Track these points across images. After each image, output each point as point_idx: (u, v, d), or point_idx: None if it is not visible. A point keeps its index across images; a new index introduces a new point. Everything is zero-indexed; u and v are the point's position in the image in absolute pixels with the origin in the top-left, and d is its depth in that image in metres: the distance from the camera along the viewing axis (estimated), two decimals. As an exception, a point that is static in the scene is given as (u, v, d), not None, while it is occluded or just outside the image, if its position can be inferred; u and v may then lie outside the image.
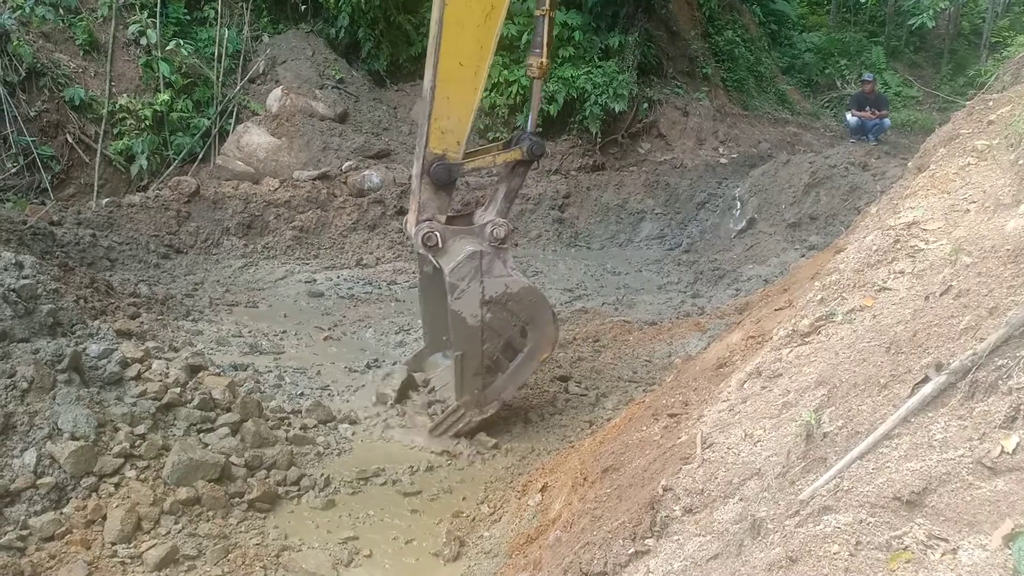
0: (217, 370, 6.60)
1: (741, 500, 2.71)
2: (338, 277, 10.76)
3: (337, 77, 14.63)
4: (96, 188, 12.49)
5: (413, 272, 9.66)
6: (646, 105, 15.71)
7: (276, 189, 12.45)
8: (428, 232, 5.85)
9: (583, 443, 5.68)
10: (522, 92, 14.40)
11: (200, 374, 6.00)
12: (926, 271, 3.20)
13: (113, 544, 4.60)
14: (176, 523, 4.84)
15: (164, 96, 13.07)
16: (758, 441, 2.97)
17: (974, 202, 3.52)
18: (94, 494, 4.82)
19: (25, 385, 4.95)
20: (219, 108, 13.72)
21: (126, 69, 13.43)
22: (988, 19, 24.41)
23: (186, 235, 11.50)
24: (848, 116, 15.43)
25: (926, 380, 2.41)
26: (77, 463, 4.82)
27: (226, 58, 14.00)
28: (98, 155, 12.62)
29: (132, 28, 13.35)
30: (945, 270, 3.03)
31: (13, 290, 5.52)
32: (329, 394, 6.96)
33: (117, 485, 4.91)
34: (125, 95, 13.06)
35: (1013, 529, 1.86)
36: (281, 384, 6.95)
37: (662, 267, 12.22)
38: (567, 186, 14.04)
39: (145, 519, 4.77)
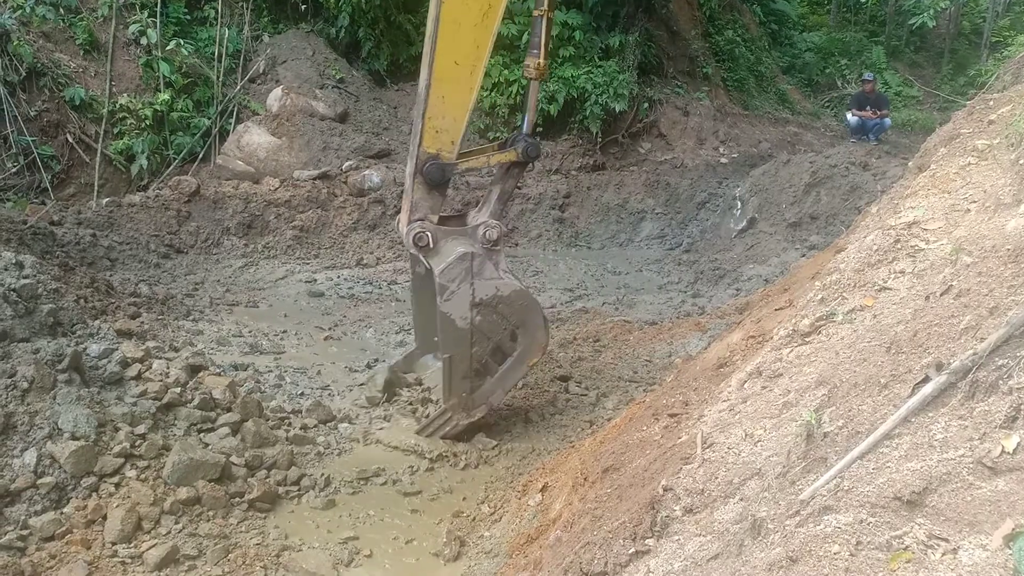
0: (217, 370, 6.60)
1: (741, 500, 2.71)
2: (338, 277, 10.76)
3: (337, 77, 14.64)
4: (96, 188, 12.50)
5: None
6: (646, 105, 15.72)
7: (276, 189, 12.45)
8: (419, 232, 5.78)
9: (583, 443, 5.68)
10: (522, 92, 14.38)
11: (200, 374, 5.99)
12: (927, 271, 3.20)
13: (113, 544, 4.60)
14: (176, 523, 4.84)
15: (164, 96, 13.08)
16: (758, 441, 2.97)
17: (975, 202, 3.51)
18: (94, 494, 4.82)
19: (25, 385, 4.95)
20: (219, 108, 13.72)
21: (126, 69, 13.44)
22: (989, 19, 24.42)
23: (186, 235, 11.51)
24: (849, 116, 15.43)
25: (926, 380, 2.41)
26: (77, 463, 4.82)
27: (226, 58, 14.01)
28: (98, 155, 12.63)
29: (132, 28, 13.36)
30: (946, 270, 3.03)
31: (13, 290, 5.52)
32: (329, 394, 6.95)
33: (117, 485, 4.90)
34: (125, 95, 13.07)
35: (1014, 529, 1.86)
36: (281, 384, 6.94)
37: (662, 267, 12.23)
38: (567, 186, 14.05)
39: (145, 519, 4.77)
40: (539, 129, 14.79)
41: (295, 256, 11.59)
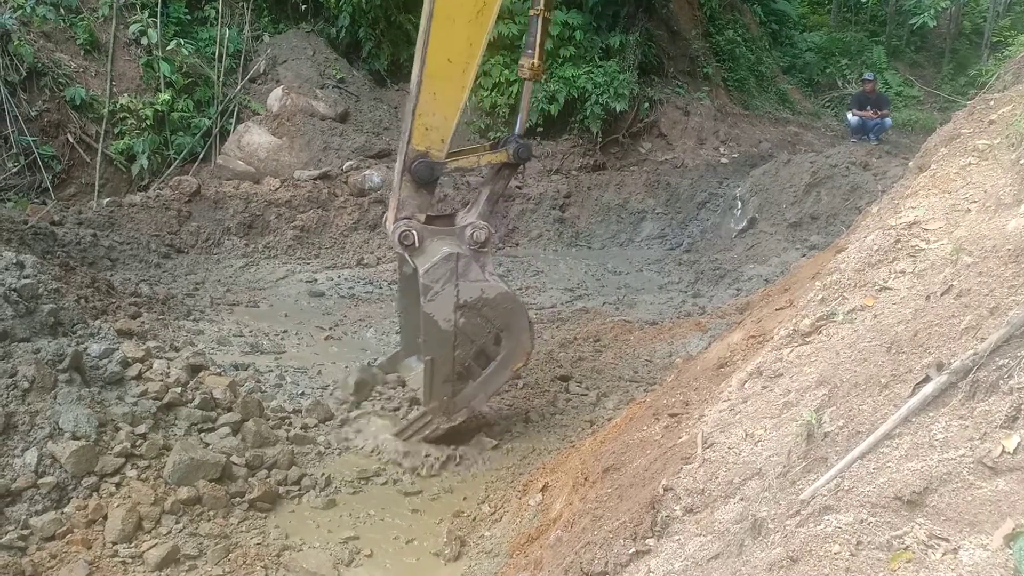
0: (218, 370, 6.60)
1: (742, 500, 2.71)
2: (339, 277, 10.77)
3: (338, 77, 14.64)
4: (97, 188, 12.50)
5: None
6: (647, 105, 15.71)
7: (277, 189, 12.45)
8: (405, 231, 5.67)
9: (584, 443, 5.68)
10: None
11: (201, 374, 6.00)
12: (927, 271, 3.20)
13: (114, 544, 4.60)
14: (177, 523, 4.84)
15: (165, 96, 13.08)
16: (759, 441, 2.97)
17: (975, 202, 3.51)
18: (95, 494, 4.82)
19: (26, 385, 4.96)
20: (220, 108, 13.72)
21: (127, 69, 13.44)
22: (989, 18, 24.41)
23: (187, 235, 11.51)
24: (849, 116, 15.43)
25: (927, 380, 2.41)
26: (78, 463, 4.83)
27: (227, 58, 14.01)
28: (99, 155, 12.63)
29: (133, 28, 13.36)
30: (946, 270, 3.03)
31: (14, 290, 5.52)
32: (330, 394, 6.95)
33: (118, 485, 4.91)
34: (126, 95, 13.07)
35: (1014, 529, 1.86)
36: (282, 384, 6.95)
37: (663, 267, 12.23)
38: (568, 186, 14.05)
39: (146, 519, 4.77)
40: (539, 129, 14.86)
41: (296, 256, 11.59)
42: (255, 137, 13.36)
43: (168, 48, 13.29)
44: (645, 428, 4.30)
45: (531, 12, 5.97)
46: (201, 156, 13.45)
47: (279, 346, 8.06)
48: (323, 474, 5.64)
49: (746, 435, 3.07)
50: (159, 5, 13.49)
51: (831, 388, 2.84)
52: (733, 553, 2.46)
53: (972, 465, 2.08)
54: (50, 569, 4.38)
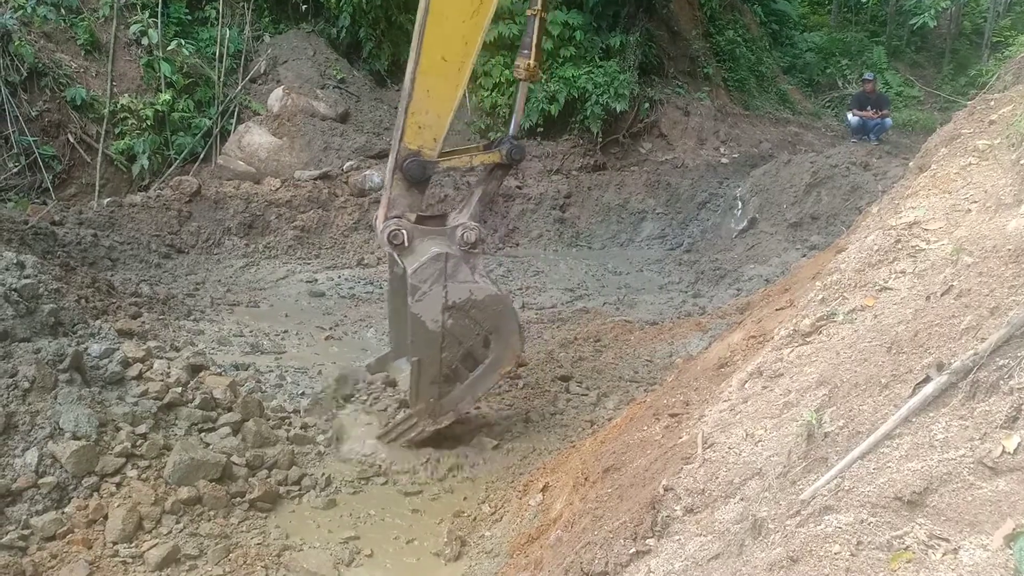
0: (218, 370, 6.60)
1: (742, 500, 2.71)
2: (339, 277, 10.77)
3: (338, 77, 14.64)
4: (97, 188, 12.51)
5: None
6: (647, 105, 15.71)
7: (277, 189, 12.46)
8: (395, 230, 5.57)
9: (584, 443, 5.68)
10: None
11: (201, 374, 6.00)
12: (927, 271, 3.20)
13: (114, 544, 4.61)
14: (177, 523, 4.85)
15: (165, 96, 13.09)
16: (759, 441, 2.97)
17: (975, 202, 3.51)
18: (95, 494, 4.83)
19: (27, 385, 4.96)
20: (220, 108, 13.73)
21: (127, 69, 13.45)
22: (990, 19, 24.41)
23: (187, 235, 11.52)
24: (849, 116, 15.43)
25: (927, 380, 2.41)
26: (79, 463, 4.83)
27: (227, 58, 14.01)
28: (99, 155, 12.64)
29: (133, 28, 13.37)
30: (946, 270, 3.03)
31: (15, 290, 5.53)
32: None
33: (119, 485, 4.91)
34: (126, 95, 13.08)
35: (1014, 529, 1.86)
36: (282, 384, 6.94)
37: (663, 267, 12.23)
38: (568, 186, 14.06)
39: (146, 519, 4.77)
40: (540, 129, 14.86)
41: (296, 256, 11.60)
42: (256, 137, 13.36)
43: (169, 48, 13.30)
44: (645, 428, 4.30)
45: (528, 12, 5.90)
46: (202, 156, 13.46)
47: (279, 346, 8.06)
48: (323, 474, 5.65)
49: (746, 435, 3.07)
50: (160, 5, 13.50)
51: (831, 388, 2.84)
52: (733, 553, 2.46)
53: (972, 465, 2.08)
54: (51, 569, 4.38)
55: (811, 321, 3.49)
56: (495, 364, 5.96)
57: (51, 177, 12.15)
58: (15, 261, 5.95)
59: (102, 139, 12.70)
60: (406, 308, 5.84)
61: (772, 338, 3.88)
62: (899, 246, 3.52)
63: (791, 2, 23.38)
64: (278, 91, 13.79)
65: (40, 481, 4.70)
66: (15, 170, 11.80)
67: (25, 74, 12.08)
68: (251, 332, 8.37)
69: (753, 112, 17.90)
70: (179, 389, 5.62)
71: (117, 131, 12.92)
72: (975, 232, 3.17)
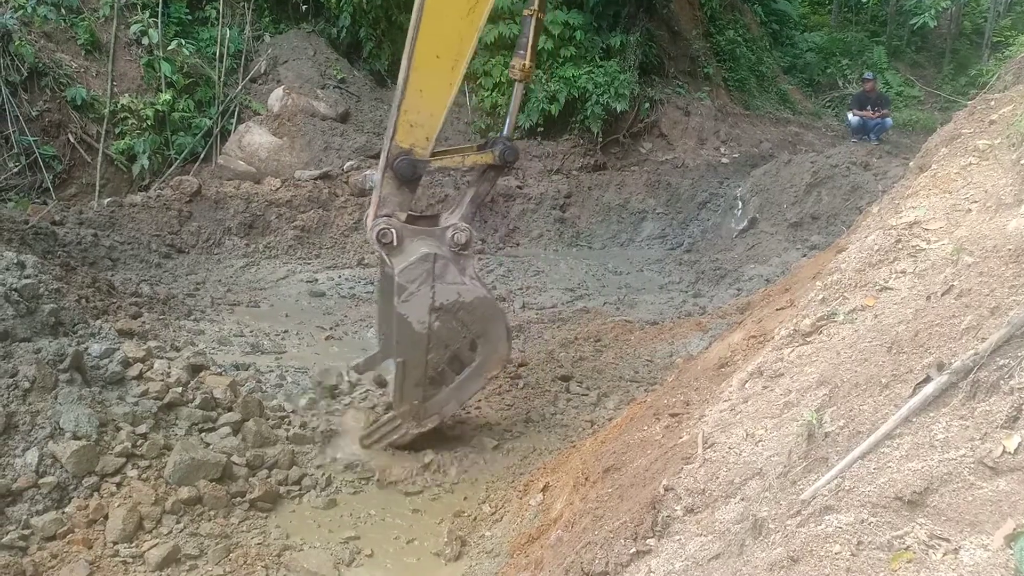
0: (219, 370, 6.60)
1: (742, 500, 2.71)
2: (339, 277, 10.77)
3: (339, 77, 14.64)
4: (98, 188, 12.52)
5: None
6: (647, 105, 15.71)
7: (278, 189, 12.46)
8: (384, 229, 5.48)
9: (584, 443, 5.68)
10: (523, 92, 14.38)
11: (202, 374, 6.00)
12: (928, 271, 3.20)
13: (115, 543, 4.61)
14: (178, 523, 4.85)
15: (166, 96, 13.09)
16: (759, 441, 2.97)
17: (976, 202, 3.51)
18: (96, 493, 4.83)
19: (27, 385, 4.96)
20: (221, 108, 13.73)
21: (128, 69, 13.45)
22: (990, 19, 24.41)
23: (188, 235, 11.52)
24: (850, 116, 15.43)
25: (928, 380, 2.41)
26: (79, 462, 4.83)
27: (228, 58, 14.02)
28: (100, 155, 12.64)
29: (134, 28, 13.38)
30: (947, 270, 3.03)
31: (15, 289, 5.53)
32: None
33: (119, 484, 4.91)
34: (127, 95, 13.08)
35: (1015, 529, 1.86)
36: (283, 384, 6.94)
37: (663, 267, 12.23)
38: (568, 186, 14.06)
39: (147, 518, 4.77)
40: (540, 129, 14.87)
41: (296, 256, 11.60)
42: (256, 137, 13.36)
43: (169, 48, 13.30)
44: (646, 428, 4.30)
45: (525, 12, 5.83)
46: (202, 156, 13.46)
47: (280, 346, 8.07)
48: (324, 474, 5.64)
49: (747, 435, 3.07)
50: (160, 5, 13.51)
51: (832, 388, 2.84)
52: (734, 553, 2.46)
53: (973, 465, 2.08)
54: (51, 569, 4.38)
55: (811, 321, 3.49)
56: (481, 368, 5.86)
57: (51, 177, 12.15)
58: (15, 261, 5.95)
59: (102, 139, 12.70)
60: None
61: (772, 338, 3.88)
62: (899, 246, 3.51)
63: (791, 2, 23.38)
64: (278, 91, 13.79)
65: (40, 481, 4.70)
66: (15, 170, 11.81)
67: (25, 74, 12.09)
68: (251, 332, 8.38)
69: (753, 112, 17.90)
70: (179, 389, 5.62)
71: (117, 131, 12.93)
72: (975, 232, 3.17)
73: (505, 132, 5.94)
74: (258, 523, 5.08)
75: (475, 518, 5.33)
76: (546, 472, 5.48)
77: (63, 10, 13.19)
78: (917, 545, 1.96)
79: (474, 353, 5.83)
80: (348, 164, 13.05)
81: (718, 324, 8.09)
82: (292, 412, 6.36)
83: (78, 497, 4.77)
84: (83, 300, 7.33)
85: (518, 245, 12.95)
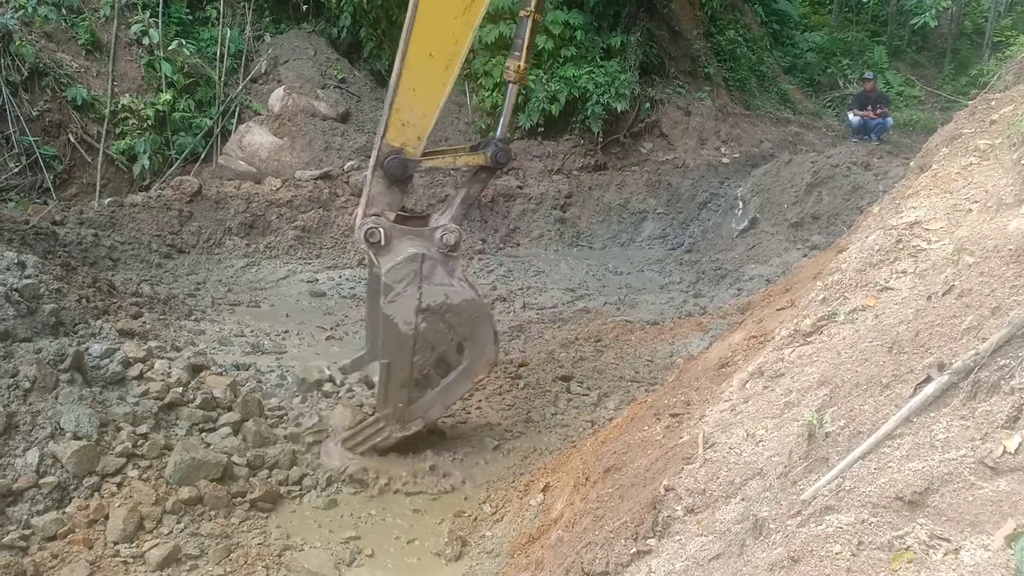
0: (219, 370, 6.60)
1: (743, 500, 2.71)
2: (340, 277, 10.77)
3: (339, 77, 14.64)
4: (98, 188, 12.52)
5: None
6: (648, 105, 15.71)
7: (278, 189, 12.46)
8: (372, 228, 5.39)
9: (585, 443, 5.68)
10: (524, 92, 14.40)
11: (202, 374, 6.00)
12: (928, 271, 3.20)
13: (115, 544, 4.61)
14: (178, 523, 4.85)
15: (166, 96, 13.09)
16: (760, 441, 2.97)
17: (976, 202, 3.51)
18: (96, 493, 4.83)
19: (28, 385, 4.96)
20: (221, 108, 13.73)
21: (128, 69, 13.45)
22: (991, 18, 24.40)
23: (188, 235, 11.52)
24: (850, 116, 15.43)
25: (928, 380, 2.41)
26: (79, 462, 4.83)
27: (228, 58, 14.02)
28: (100, 155, 12.64)
29: (134, 28, 13.38)
30: (947, 270, 3.03)
31: (16, 290, 5.53)
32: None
33: (119, 485, 4.92)
34: (127, 95, 13.08)
35: (1015, 529, 1.86)
36: (283, 384, 6.94)
37: (664, 267, 12.23)
38: (569, 186, 14.06)
39: (147, 519, 4.78)
40: (540, 129, 14.86)
41: (297, 256, 11.60)
42: (256, 137, 13.37)
43: (169, 48, 13.30)
44: (646, 428, 4.30)
45: (521, 13, 5.75)
46: (202, 156, 13.46)
47: (280, 346, 8.07)
48: (324, 474, 5.64)
49: (747, 435, 3.07)
50: (160, 5, 13.51)
51: (832, 388, 2.84)
52: (734, 553, 2.46)
53: (973, 465, 2.08)
54: (52, 569, 4.38)
55: (812, 321, 3.49)
56: (468, 372, 5.77)
57: (52, 177, 12.16)
58: (16, 261, 5.95)
59: (103, 139, 12.70)
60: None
61: (773, 338, 3.88)
62: (900, 246, 3.51)
63: (792, 2, 23.38)
64: (279, 91, 13.80)
65: (41, 481, 4.70)
66: (16, 170, 11.81)
67: (26, 74, 12.09)
68: (252, 332, 8.38)
69: (754, 112, 17.90)
70: (180, 389, 5.63)
71: (118, 131, 12.93)
72: (976, 232, 3.17)
73: (498, 134, 5.85)
74: (259, 523, 5.08)
75: (476, 518, 5.33)
76: (547, 472, 5.48)
77: (64, 10, 13.19)
78: (918, 545, 1.96)
79: (461, 356, 5.74)
80: (349, 164, 13.06)
81: (719, 324, 8.09)
82: (289, 412, 6.36)
83: (79, 497, 4.77)
84: (84, 300, 7.33)
85: (518, 245, 12.95)
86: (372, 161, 5.51)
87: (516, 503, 5.29)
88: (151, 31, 13.22)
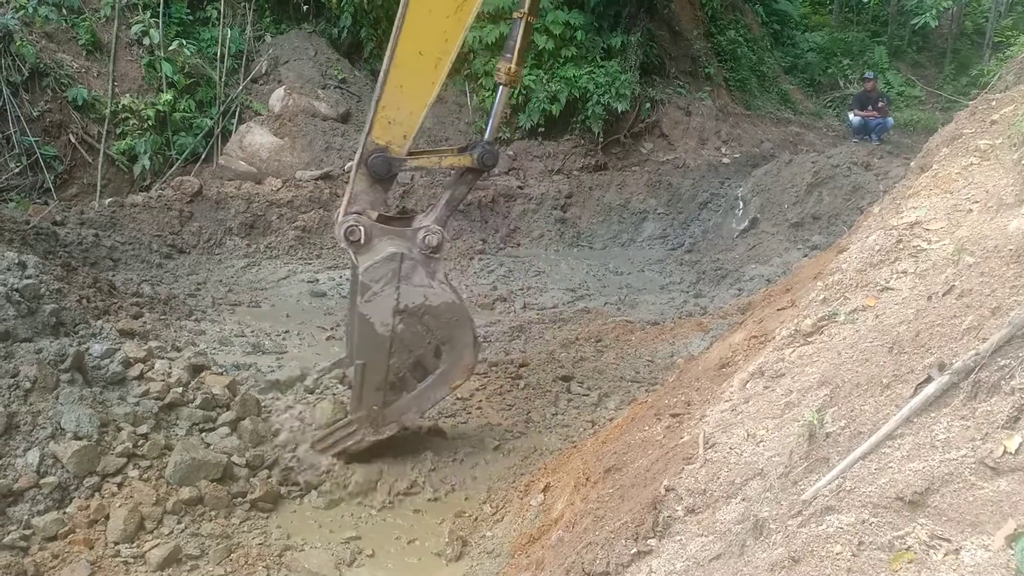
0: (220, 370, 6.60)
1: (743, 500, 2.71)
2: (340, 277, 10.76)
3: (339, 77, 14.65)
4: (99, 188, 12.52)
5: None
6: (648, 105, 15.72)
7: (279, 189, 12.47)
8: (352, 226, 5.26)
9: (585, 443, 5.68)
10: (524, 92, 14.41)
11: (202, 374, 6.00)
12: (929, 271, 3.19)
13: (116, 544, 4.61)
14: (179, 523, 4.85)
15: (167, 96, 13.10)
16: (760, 441, 2.97)
17: (977, 202, 3.51)
18: (97, 494, 4.83)
19: (28, 385, 4.96)
20: (222, 108, 13.74)
21: (129, 69, 13.46)
22: (991, 19, 24.41)
23: (189, 235, 11.53)
24: (851, 116, 15.43)
25: (929, 380, 2.41)
26: (80, 463, 4.83)
27: (229, 58, 14.03)
28: (101, 155, 12.65)
29: (135, 28, 13.39)
30: (948, 270, 3.03)
31: (16, 290, 5.53)
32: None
33: (120, 485, 4.91)
34: (128, 95, 13.09)
35: (1016, 529, 1.86)
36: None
37: (664, 267, 12.23)
38: (569, 186, 14.06)
39: (148, 519, 4.78)
40: (541, 129, 14.86)
41: (297, 256, 11.60)
42: (257, 137, 13.37)
43: (170, 48, 13.31)
44: (647, 428, 4.30)
45: (515, 15, 5.64)
46: (203, 156, 13.47)
47: (281, 346, 8.07)
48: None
49: (748, 435, 3.07)
50: (161, 5, 13.51)
51: (833, 388, 2.84)
52: (735, 553, 2.46)
53: (974, 465, 2.08)
54: (52, 569, 4.38)
55: (812, 321, 3.49)
56: (445, 377, 5.62)
57: (52, 177, 12.16)
58: (17, 261, 5.95)
59: (103, 139, 12.71)
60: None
61: (773, 338, 3.88)
62: (900, 246, 3.51)
63: (792, 2, 23.39)
64: (279, 91, 13.80)
65: (41, 481, 4.70)
66: (17, 170, 11.81)
67: (27, 74, 12.09)
68: (252, 332, 8.38)
69: (754, 112, 17.91)
70: (180, 389, 5.62)
71: (118, 131, 12.94)
72: (976, 232, 3.17)
73: (487, 136, 5.69)
74: (259, 523, 5.08)
75: (476, 518, 5.33)
76: (547, 472, 5.47)
77: (64, 10, 13.20)
78: (918, 545, 1.96)
79: (438, 360, 5.58)
80: (349, 164, 12.99)
81: (719, 324, 8.09)
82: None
83: (79, 497, 4.77)
84: (84, 300, 7.33)
85: (519, 245, 12.96)
86: (356, 158, 5.40)
87: (516, 503, 5.28)
88: (152, 31, 13.23)
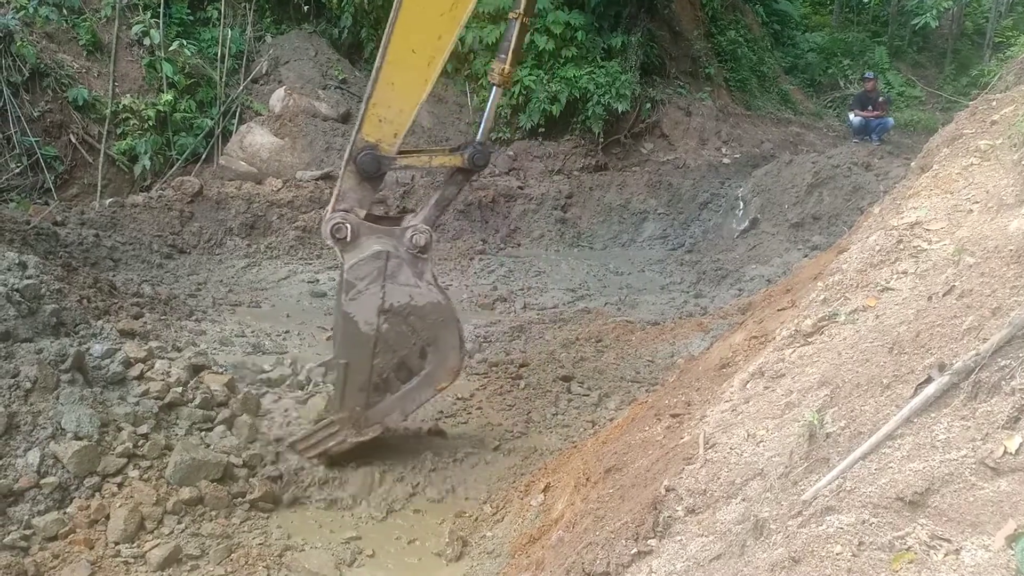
0: (220, 370, 6.60)
1: (744, 500, 2.71)
2: (341, 277, 10.76)
3: (340, 77, 14.66)
4: (99, 188, 12.53)
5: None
6: (649, 105, 15.72)
7: (279, 189, 12.47)
8: (338, 223, 5.20)
9: (586, 443, 5.68)
10: (524, 92, 14.42)
11: (202, 373, 6.00)
12: (929, 271, 3.19)
13: (116, 544, 4.61)
14: (179, 523, 4.85)
15: (167, 96, 13.10)
16: (761, 441, 2.97)
17: (977, 202, 3.51)
18: (97, 494, 4.83)
19: (29, 385, 4.97)
20: (222, 108, 13.74)
21: (129, 69, 13.46)
22: (991, 19, 24.40)
23: (189, 235, 11.53)
24: (851, 116, 15.43)
25: (929, 380, 2.41)
26: (80, 463, 4.83)
27: (229, 58, 14.03)
28: (101, 155, 12.65)
29: (135, 28, 13.39)
30: (948, 270, 3.03)
31: (17, 290, 5.53)
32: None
33: (120, 485, 4.92)
34: (128, 95, 13.09)
35: (1016, 530, 1.86)
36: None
37: (665, 267, 12.23)
38: (570, 186, 14.06)
39: (148, 519, 4.78)
40: (541, 129, 14.86)
41: (297, 256, 11.61)
42: (257, 138, 13.37)
43: (170, 49, 13.31)
44: (647, 428, 4.30)
45: (510, 15, 5.58)
46: (203, 157, 13.47)
47: (281, 346, 8.07)
48: (324, 473, 5.63)
49: (748, 435, 3.07)
50: (161, 6, 13.51)
51: (833, 388, 2.84)
52: (735, 554, 2.46)
53: (974, 466, 2.08)
54: (52, 569, 4.39)
55: (813, 321, 3.49)
56: (430, 379, 5.55)
57: (53, 177, 12.16)
58: (17, 261, 5.95)
59: (104, 139, 12.71)
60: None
61: (774, 338, 3.88)
62: (901, 246, 3.51)
63: (793, 2, 23.38)
64: (280, 91, 13.81)
65: (42, 481, 4.71)
66: (17, 170, 11.81)
67: (27, 75, 12.09)
68: (253, 332, 8.38)
69: (755, 112, 17.91)
70: (179, 389, 5.62)
71: (119, 131, 12.94)
72: (977, 232, 3.17)
73: (479, 136, 5.63)
74: (259, 523, 5.08)
75: (476, 518, 5.33)
76: (547, 472, 5.47)
77: (65, 11, 13.20)
78: (918, 546, 1.96)
79: (423, 361, 5.51)
80: (349, 164, 13.06)
81: (719, 324, 8.09)
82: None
83: (79, 497, 4.77)
84: (85, 300, 7.33)
85: (519, 245, 12.96)
86: (345, 155, 5.35)
87: (517, 503, 5.29)
88: (152, 32, 13.23)
